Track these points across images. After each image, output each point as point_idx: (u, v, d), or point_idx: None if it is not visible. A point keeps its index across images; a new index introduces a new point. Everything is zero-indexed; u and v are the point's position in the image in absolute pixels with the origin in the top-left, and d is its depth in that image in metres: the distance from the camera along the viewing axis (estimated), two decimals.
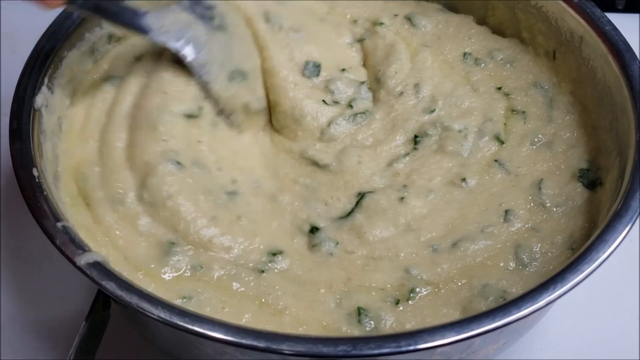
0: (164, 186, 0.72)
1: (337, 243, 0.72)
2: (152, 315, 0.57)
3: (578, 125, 0.81)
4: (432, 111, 0.82)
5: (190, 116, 0.77)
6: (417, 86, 0.84)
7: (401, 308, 0.67)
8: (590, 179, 0.76)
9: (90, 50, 0.84)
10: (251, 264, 0.70)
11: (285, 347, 0.55)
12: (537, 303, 0.57)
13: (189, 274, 0.69)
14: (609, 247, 0.61)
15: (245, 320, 0.65)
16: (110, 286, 0.59)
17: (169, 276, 0.68)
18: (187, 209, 0.71)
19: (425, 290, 0.68)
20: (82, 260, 0.60)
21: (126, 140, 0.76)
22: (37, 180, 0.66)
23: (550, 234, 0.72)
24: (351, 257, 0.71)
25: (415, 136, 0.81)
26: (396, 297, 0.67)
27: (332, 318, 0.66)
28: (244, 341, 0.55)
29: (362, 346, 0.55)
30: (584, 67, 0.81)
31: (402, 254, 0.71)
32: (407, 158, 0.79)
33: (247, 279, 0.69)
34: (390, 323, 0.66)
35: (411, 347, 0.55)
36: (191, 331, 0.56)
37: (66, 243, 0.62)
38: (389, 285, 0.69)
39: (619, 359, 0.78)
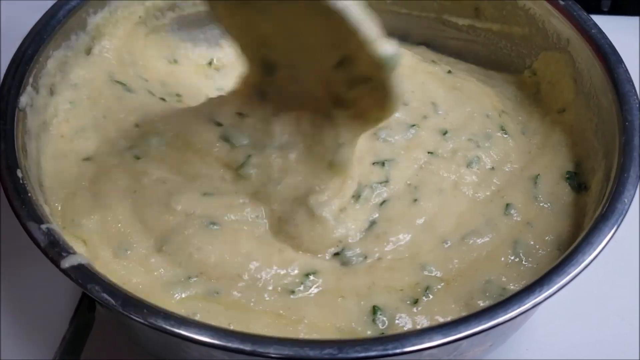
0: (191, 243, 0.68)
1: (365, 257, 0.71)
2: (137, 319, 0.57)
3: (566, 126, 0.82)
4: (446, 132, 0.81)
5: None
6: (434, 105, 0.84)
7: (416, 307, 0.67)
8: (578, 182, 0.76)
9: None
10: (280, 288, 0.68)
11: (271, 351, 0.55)
12: (524, 305, 0.57)
13: (200, 297, 0.66)
14: (595, 249, 0.61)
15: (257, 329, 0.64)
16: (95, 289, 0.58)
17: (177, 298, 0.66)
18: (219, 255, 0.68)
19: (437, 287, 0.68)
20: (67, 263, 0.60)
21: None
22: (21, 181, 0.65)
23: (542, 231, 0.73)
24: (378, 263, 0.71)
25: (429, 152, 0.79)
26: (413, 296, 0.68)
27: (349, 320, 0.66)
28: (230, 344, 0.55)
29: (348, 349, 0.55)
30: (571, 69, 0.81)
31: (421, 252, 0.71)
32: (419, 170, 0.78)
33: (270, 299, 0.67)
34: (404, 321, 0.66)
35: (398, 350, 0.55)
36: (177, 334, 0.56)
37: (50, 245, 0.61)
38: (407, 285, 0.69)
39: (605, 359, 0.79)
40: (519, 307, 0.58)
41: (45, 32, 0.78)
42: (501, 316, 0.57)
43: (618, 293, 0.83)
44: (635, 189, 0.65)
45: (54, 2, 0.80)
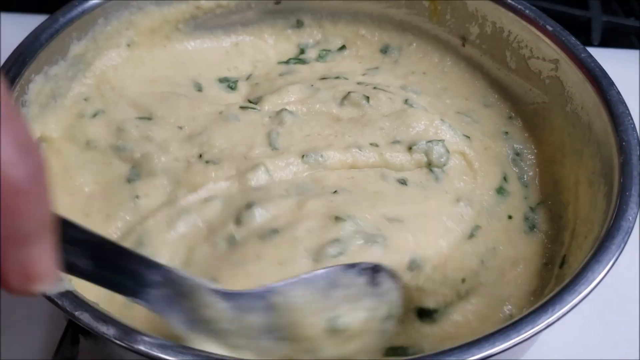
0: None
1: None
2: (131, 348, 0.53)
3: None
4: None
5: None
6: None
7: None
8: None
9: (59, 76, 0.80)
10: None
11: None
12: (537, 325, 0.56)
13: None
14: (604, 267, 0.60)
15: None
16: (84, 317, 0.54)
17: None
18: None
19: None
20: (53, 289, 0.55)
21: None
22: None
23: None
24: None
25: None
26: None
27: None
28: None
29: None
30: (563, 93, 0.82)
31: None
32: None
33: None
34: None
35: None
36: None
37: None
38: None
39: None
40: (532, 328, 0.56)
41: (28, 55, 0.75)
42: (514, 337, 0.55)
43: (619, 315, 0.82)
44: (638, 207, 0.65)
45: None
